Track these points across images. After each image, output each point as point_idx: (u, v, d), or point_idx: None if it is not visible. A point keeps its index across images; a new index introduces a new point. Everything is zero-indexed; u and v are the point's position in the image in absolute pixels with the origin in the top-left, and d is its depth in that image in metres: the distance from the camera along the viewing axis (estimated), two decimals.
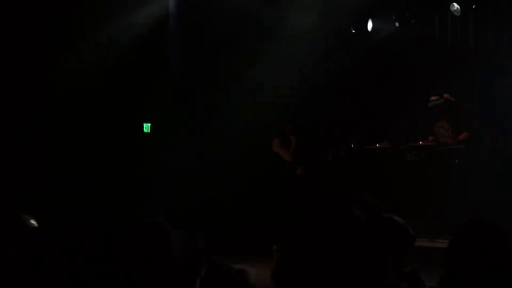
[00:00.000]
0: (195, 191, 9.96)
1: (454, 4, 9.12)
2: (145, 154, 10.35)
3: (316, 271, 1.73)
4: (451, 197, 7.76)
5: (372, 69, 10.18)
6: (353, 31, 10.47)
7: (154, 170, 10.14)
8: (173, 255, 2.03)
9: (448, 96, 8.34)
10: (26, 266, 2.15)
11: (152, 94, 10.40)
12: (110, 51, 9.75)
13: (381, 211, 2.32)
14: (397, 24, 10.13)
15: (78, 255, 1.87)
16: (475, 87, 9.03)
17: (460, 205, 7.48)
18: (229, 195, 9.97)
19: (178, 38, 10.80)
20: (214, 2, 10.26)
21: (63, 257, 1.88)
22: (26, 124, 9.18)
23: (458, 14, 9.15)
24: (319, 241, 1.78)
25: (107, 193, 9.12)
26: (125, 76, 10.01)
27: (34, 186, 8.86)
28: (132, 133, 10.51)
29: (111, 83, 9.79)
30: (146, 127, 10.73)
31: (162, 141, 10.54)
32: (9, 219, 3.72)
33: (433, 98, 8.51)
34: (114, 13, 9.83)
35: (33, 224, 3.61)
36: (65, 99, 9.40)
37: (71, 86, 9.38)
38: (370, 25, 10.18)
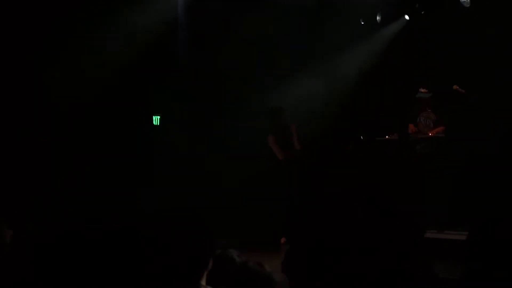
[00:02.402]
0: (202, 183, 9.99)
1: None
2: (154, 146, 10.39)
3: (325, 262, 1.73)
4: (461, 189, 7.74)
5: (382, 61, 10.18)
6: (362, 23, 10.44)
7: (162, 162, 10.18)
8: (177, 250, 2.03)
9: (457, 87, 8.33)
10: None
11: (161, 86, 10.42)
12: (120, 45, 9.78)
13: (392, 202, 2.32)
14: (406, 17, 10.09)
15: (85, 250, 1.88)
16: (484, 79, 8.97)
17: (470, 196, 7.46)
18: (236, 187, 9.97)
19: (186, 31, 10.80)
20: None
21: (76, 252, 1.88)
22: (37, 120, 9.26)
23: (468, 5, 9.09)
24: (328, 233, 1.78)
25: (115, 185, 9.19)
26: (134, 70, 10.01)
27: (44, 180, 8.93)
28: (142, 125, 10.55)
29: (121, 76, 9.80)
30: (156, 119, 10.75)
31: (171, 133, 10.57)
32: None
33: (422, 90, 8.59)
34: (125, 8, 9.85)
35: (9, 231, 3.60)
36: (75, 92, 9.45)
37: (81, 80, 9.44)
38: (378, 17, 10.15)
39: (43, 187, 8.88)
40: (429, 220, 7.12)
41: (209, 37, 10.61)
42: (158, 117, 10.77)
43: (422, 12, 9.85)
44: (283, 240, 8.62)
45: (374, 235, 1.78)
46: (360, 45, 10.42)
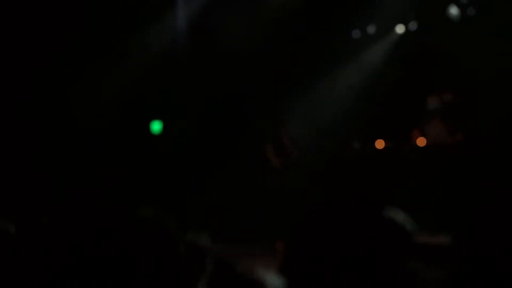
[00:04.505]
0: (200, 188, 10.02)
1: (452, 8, 9.06)
2: (156, 154, 10.47)
3: (323, 267, 1.75)
4: (453, 195, 7.76)
5: (377, 70, 10.22)
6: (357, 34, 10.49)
7: (164, 169, 10.24)
8: (177, 253, 2.04)
9: (452, 96, 8.32)
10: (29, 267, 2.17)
11: (165, 94, 10.51)
12: (127, 56, 9.89)
13: (384, 209, 2.36)
14: (400, 29, 10.11)
15: (84, 256, 1.89)
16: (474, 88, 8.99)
17: (461, 203, 7.47)
18: (233, 191, 9.99)
19: (189, 42, 10.86)
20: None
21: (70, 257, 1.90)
22: (37, 128, 9.40)
23: (457, 19, 9.08)
24: (326, 237, 1.81)
25: (115, 192, 9.22)
26: (139, 79, 10.09)
27: (43, 188, 9.01)
28: (143, 133, 10.63)
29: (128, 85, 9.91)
30: (157, 126, 10.82)
31: (174, 141, 10.61)
32: None
33: (431, 98, 8.52)
34: (132, 23, 10.00)
35: (12, 230, 3.63)
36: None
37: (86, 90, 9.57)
38: (372, 28, 10.19)
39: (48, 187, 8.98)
40: (421, 226, 7.10)
41: (211, 47, 10.64)
42: (160, 124, 10.84)
43: (416, 24, 9.87)
44: (280, 244, 8.59)
45: (369, 242, 1.82)
46: (359, 55, 10.47)
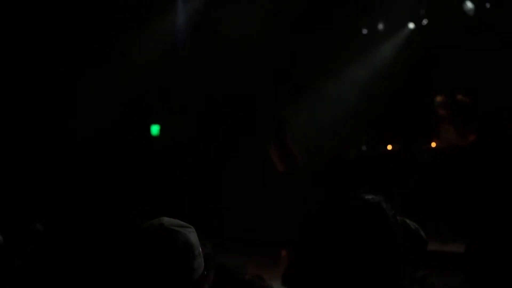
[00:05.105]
0: (200, 190, 10.00)
1: (468, 2, 8.99)
2: (154, 156, 10.43)
3: (327, 275, 1.69)
4: (464, 200, 7.67)
5: (386, 70, 10.14)
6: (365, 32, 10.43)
7: (161, 173, 10.20)
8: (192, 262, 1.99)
9: (461, 97, 8.22)
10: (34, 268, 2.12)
11: (162, 96, 10.48)
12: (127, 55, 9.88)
13: (394, 214, 2.27)
14: (411, 25, 10.04)
15: (88, 265, 1.86)
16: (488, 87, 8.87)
17: (473, 208, 7.38)
18: (236, 198, 9.93)
19: (187, 41, 10.84)
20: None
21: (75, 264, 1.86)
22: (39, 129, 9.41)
23: (472, 14, 9.02)
24: (330, 244, 1.74)
25: (117, 197, 9.21)
26: (138, 80, 10.08)
27: (44, 190, 9.00)
28: (141, 135, 10.61)
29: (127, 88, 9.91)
30: (155, 129, 10.80)
31: (171, 143, 10.58)
32: (19, 223, 3.71)
33: (438, 98, 8.38)
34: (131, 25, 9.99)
35: (40, 228, 3.60)
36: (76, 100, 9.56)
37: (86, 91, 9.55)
38: (380, 26, 10.13)
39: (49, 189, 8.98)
40: (431, 232, 7.01)
41: (213, 46, 10.60)
42: (158, 127, 10.82)
43: (425, 21, 9.80)
44: (284, 253, 8.52)
45: (377, 247, 1.74)
46: (367, 54, 10.40)
